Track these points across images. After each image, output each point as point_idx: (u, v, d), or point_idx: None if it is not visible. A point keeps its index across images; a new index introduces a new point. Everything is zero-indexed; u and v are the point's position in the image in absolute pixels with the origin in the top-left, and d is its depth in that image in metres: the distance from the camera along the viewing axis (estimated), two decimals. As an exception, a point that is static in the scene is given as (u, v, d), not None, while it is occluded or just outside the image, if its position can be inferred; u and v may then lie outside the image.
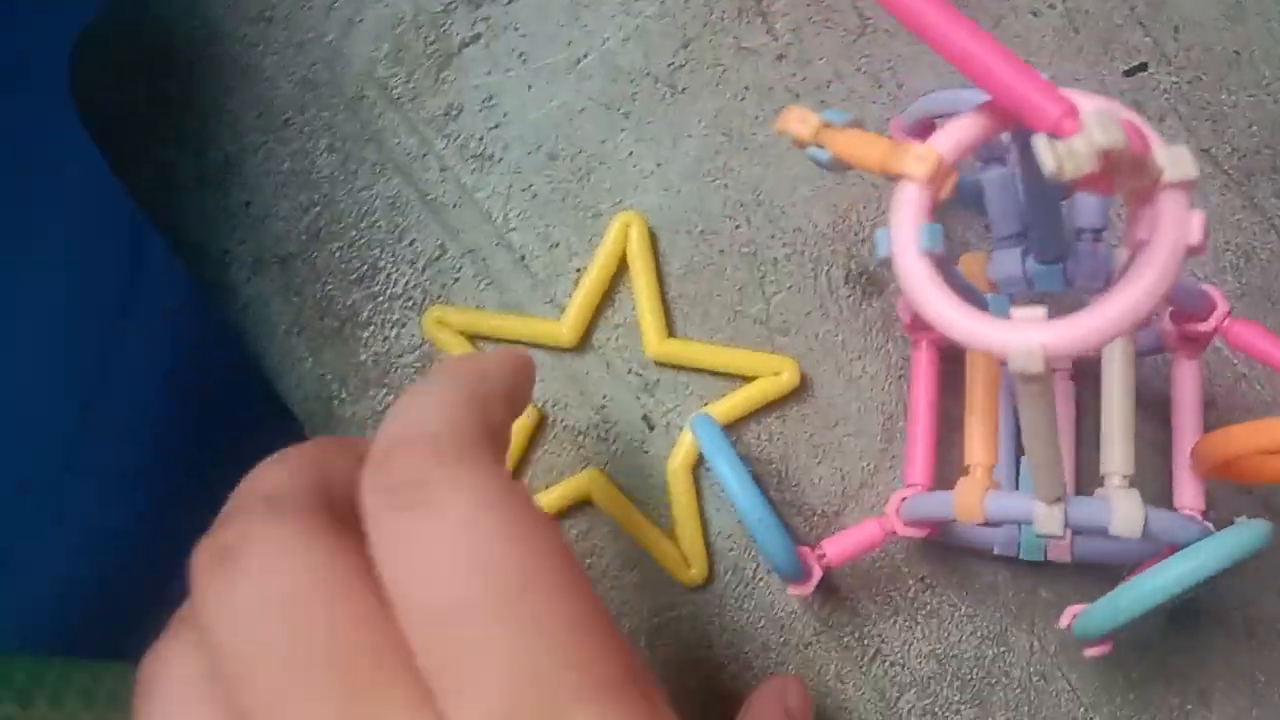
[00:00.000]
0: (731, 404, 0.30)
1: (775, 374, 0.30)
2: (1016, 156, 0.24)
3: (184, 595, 0.18)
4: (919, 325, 0.30)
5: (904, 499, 0.28)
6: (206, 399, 0.42)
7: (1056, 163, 0.17)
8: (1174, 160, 0.19)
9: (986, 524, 0.25)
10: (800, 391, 0.31)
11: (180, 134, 0.33)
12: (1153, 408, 0.30)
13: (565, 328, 0.30)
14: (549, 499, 0.30)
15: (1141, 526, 0.24)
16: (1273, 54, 0.35)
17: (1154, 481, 0.29)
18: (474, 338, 0.31)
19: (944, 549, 0.31)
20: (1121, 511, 0.24)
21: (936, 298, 0.19)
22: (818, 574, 0.28)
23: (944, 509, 0.26)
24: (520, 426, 0.30)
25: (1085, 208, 0.26)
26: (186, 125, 0.33)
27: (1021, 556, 0.29)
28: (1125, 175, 0.18)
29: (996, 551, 0.30)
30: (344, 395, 0.32)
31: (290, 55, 0.33)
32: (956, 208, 0.31)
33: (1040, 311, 0.19)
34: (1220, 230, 0.34)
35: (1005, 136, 0.24)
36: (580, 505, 0.31)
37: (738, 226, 0.32)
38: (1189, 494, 0.27)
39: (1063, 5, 0.35)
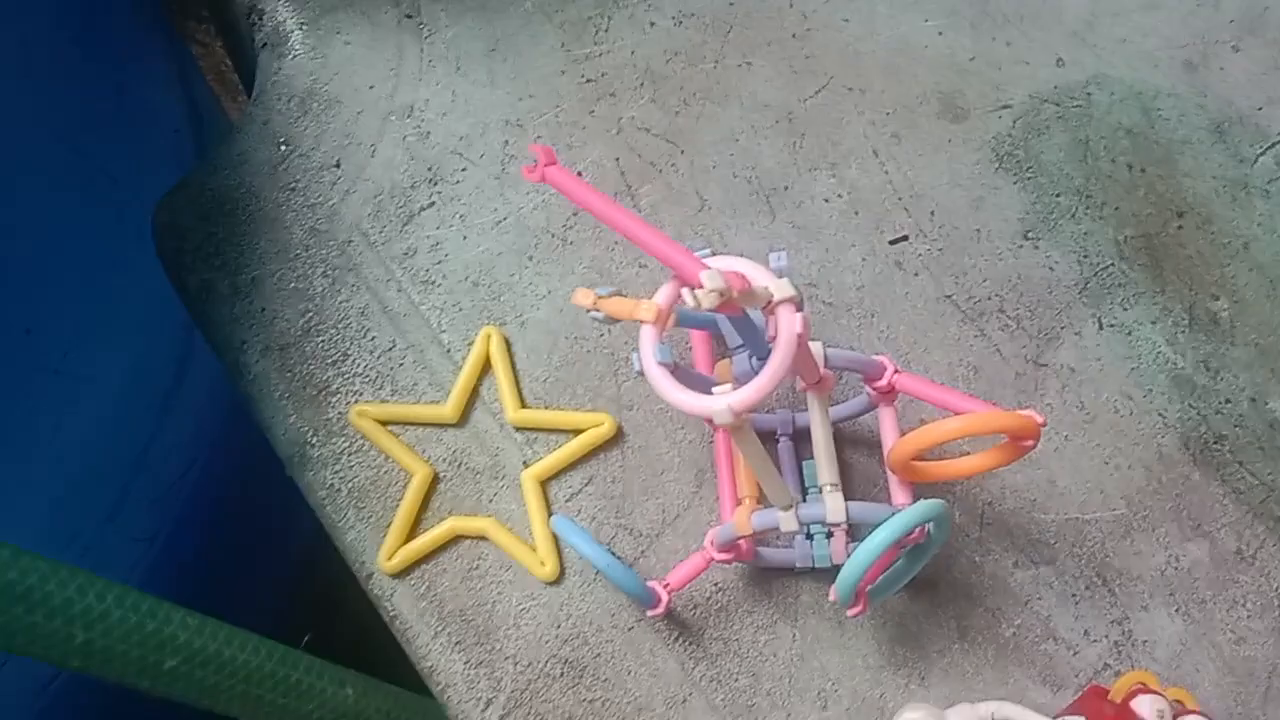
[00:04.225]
0: (569, 450, 0.42)
1: (598, 425, 0.42)
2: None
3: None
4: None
5: (715, 532, 0.39)
6: (231, 461, 0.55)
7: (694, 301, 0.30)
8: (779, 287, 0.32)
9: (754, 535, 0.37)
10: (637, 448, 0.43)
11: (222, 261, 0.48)
12: (869, 448, 0.42)
13: (448, 410, 0.44)
14: (440, 531, 0.42)
15: (844, 512, 0.35)
16: (1004, 233, 0.49)
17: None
18: (386, 423, 0.44)
19: (738, 566, 0.42)
20: (830, 505, 0.35)
21: (670, 388, 0.32)
22: (666, 598, 0.39)
23: (730, 532, 0.37)
24: (416, 484, 0.43)
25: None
26: (227, 255, 0.48)
27: (815, 566, 0.40)
28: (745, 300, 0.31)
29: (798, 566, 0.41)
30: (314, 441, 0.45)
31: (304, 212, 0.48)
32: (716, 336, 0.44)
33: (728, 387, 0.32)
34: (957, 351, 0.46)
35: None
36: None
37: (601, 335, 0.46)
38: (899, 496, 0.38)
39: (848, 195, 0.49)
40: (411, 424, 0.44)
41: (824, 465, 0.37)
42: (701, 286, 0.29)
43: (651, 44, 0.52)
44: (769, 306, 0.31)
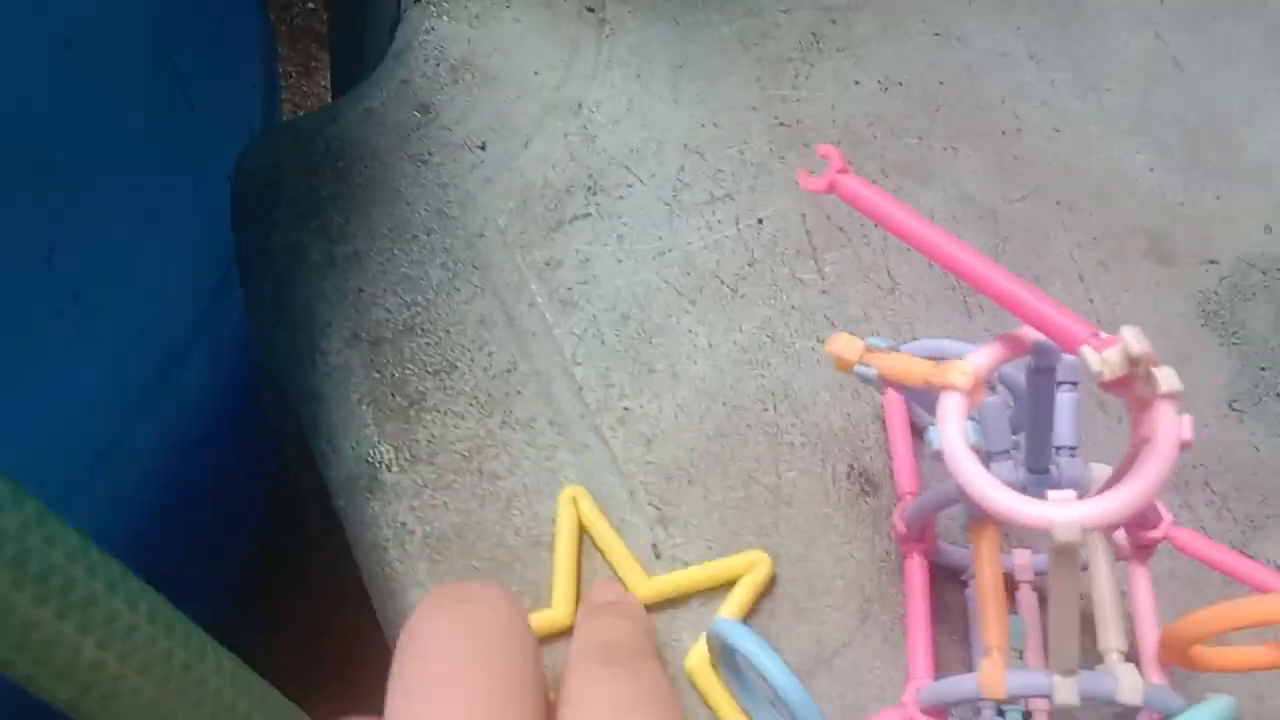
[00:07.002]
0: (728, 611, 0.33)
1: (750, 569, 0.34)
2: (1028, 383, 0.30)
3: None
4: (910, 538, 0.34)
5: (918, 689, 0.30)
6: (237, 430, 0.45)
7: (1101, 366, 0.22)
8: (1166, 377, 0.24)
9: (1009, 700, 0.28)
10: (794, 559, 0.35)
11: (321, 224, 0.39)
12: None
13: (559, 613, 0.33)
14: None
15: (1143, 693, 0.27)
16: (1209, 398, 0.42)
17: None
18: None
19: None
20: (1125, 682, 0.27)
21: (984, 480, 0.24)
22: None
23: (965, 690, 0.28)
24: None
25: (1062, 430, 0.31)
26: (329, 218, 0.39)
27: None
28: (1139, 383, 0.24)
29: None
30: (395, 465, 0.35)
31: (433, 191, 0.40)
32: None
33: (1071, 494, 0.24)
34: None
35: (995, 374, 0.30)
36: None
37: (765, 410, 0.37)
38: (1153, 675, 0.30)
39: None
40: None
41: (1110, 622, 0.28)
42: (1103, 348, 0.22)
43: (853, 103, 0.46)
44: (1150, 399, 0.24)
